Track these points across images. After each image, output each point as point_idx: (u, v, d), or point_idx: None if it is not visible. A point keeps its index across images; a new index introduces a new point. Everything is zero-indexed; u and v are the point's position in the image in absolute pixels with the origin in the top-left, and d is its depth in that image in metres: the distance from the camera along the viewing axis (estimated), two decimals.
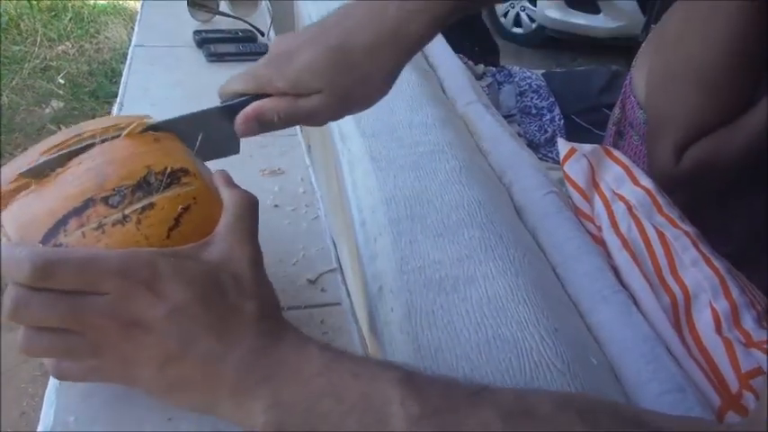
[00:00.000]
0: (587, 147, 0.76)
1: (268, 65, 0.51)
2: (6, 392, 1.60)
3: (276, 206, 0.71)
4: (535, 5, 3.90)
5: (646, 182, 0.71)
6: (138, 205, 0.42)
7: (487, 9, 4.03)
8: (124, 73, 1.01)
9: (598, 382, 0.49)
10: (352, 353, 0.39)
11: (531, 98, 1.77)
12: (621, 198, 0.70)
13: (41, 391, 0.50)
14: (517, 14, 4.05)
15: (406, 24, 0.49)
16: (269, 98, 0.50)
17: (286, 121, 0.50)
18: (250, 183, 0.48)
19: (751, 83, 0.80)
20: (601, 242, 0.68)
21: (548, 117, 1.73)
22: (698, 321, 0.60)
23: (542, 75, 1.85)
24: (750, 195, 0.87)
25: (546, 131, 1.71)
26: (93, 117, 2.59)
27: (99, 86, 2.84)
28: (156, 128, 0.49)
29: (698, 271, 0.62)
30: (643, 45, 0.97)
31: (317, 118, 0.51)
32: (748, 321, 0.59)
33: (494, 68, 1.85)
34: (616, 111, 1.02)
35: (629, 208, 0.69)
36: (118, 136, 0.46)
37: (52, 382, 0.47)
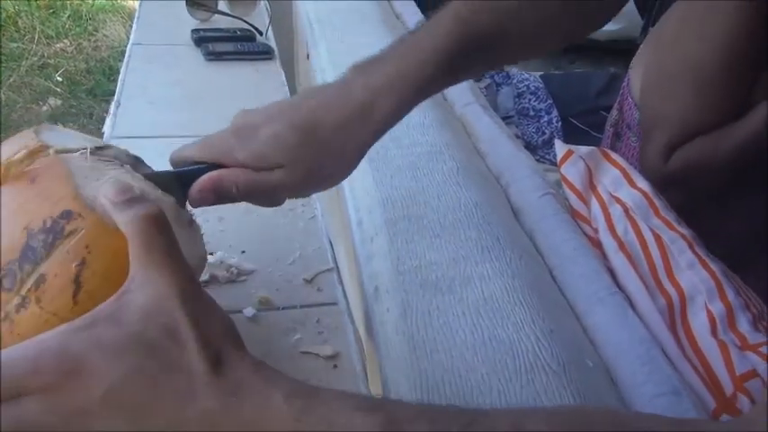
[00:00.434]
0: (584, 149, 0.76)
1: (228, 136, 0.50)
2: None
3: None
4: None
5: (643, 184, 0.71)
6: (30, 282, 0.37)
7: None
8: (122, 71, 1.01)
9: (593, 383, 0.49)
10: (327, 390, 0.34)
11: (529, 100, 1.77)
12: (618, 200, 0.70)
13: None
14: None
15: (370, 104, 0.49)
16: (228, 169, 0.49)
17: (245, 193, 0.49)
18: None
19: (746, 84, 0.80)
20: (597, 244, 0.68)
21: (545, 119, 1.73)
22: (693, 324, 0.60)
23: (540, 77, 1.85)
24: (750, 195, 0.87)
25: (544, 133, 1.71)
26: (91, 115, 2.58)
27: (97, 84, 2.83)
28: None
29: (694, 273, 0.62)
30: (641, 46, 0.98)
31: (275, 193, 0.51)
32: (743, 324, 0.59)
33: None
34: (614, 112, 1.02)
35: (626, 210, 0.69)
36: None
37: None
